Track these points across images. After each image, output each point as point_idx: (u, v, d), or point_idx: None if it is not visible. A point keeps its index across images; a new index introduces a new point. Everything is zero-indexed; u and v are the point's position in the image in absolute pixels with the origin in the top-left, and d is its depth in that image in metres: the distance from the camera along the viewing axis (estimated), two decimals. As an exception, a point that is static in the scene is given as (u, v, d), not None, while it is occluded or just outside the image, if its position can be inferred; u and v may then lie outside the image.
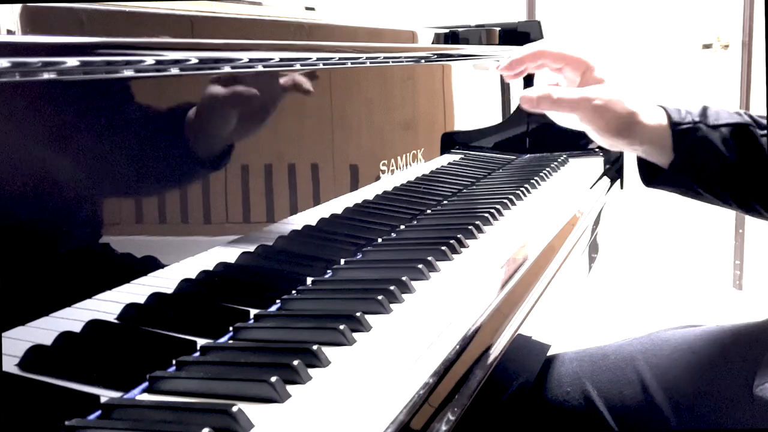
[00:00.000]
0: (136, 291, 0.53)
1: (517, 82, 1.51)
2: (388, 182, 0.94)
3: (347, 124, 0.86)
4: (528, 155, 1.49)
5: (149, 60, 0.53)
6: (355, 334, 0.58)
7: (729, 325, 0.88)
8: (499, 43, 1.45)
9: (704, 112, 0.80)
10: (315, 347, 0.53)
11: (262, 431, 0.44)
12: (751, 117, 0.80)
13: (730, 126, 0.79)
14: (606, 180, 1.29)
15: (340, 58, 0.83)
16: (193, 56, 0.58)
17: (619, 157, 1.45)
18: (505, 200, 1.02)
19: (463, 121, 1.24)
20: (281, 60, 0.70)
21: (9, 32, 0.42)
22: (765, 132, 0.78)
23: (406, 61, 1.03)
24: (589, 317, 2.36)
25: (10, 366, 0.44)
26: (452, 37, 1.22)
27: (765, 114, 0.80)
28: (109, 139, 0.51)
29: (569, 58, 0.84)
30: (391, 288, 0.65)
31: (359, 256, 0.81)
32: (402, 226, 0.92)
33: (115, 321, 0.51)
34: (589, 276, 1.20)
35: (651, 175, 0.83)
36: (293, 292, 0.69)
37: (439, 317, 0.62)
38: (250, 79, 0.67)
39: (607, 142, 0.82)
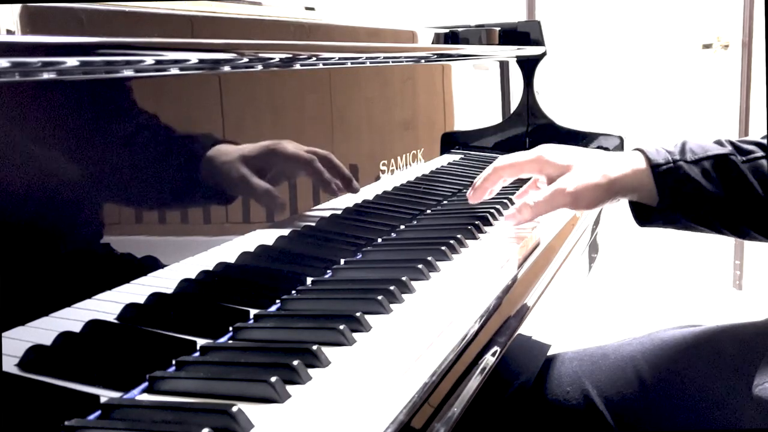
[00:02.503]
0: (136, 291, 0.53)
1: (517, 82, 1.51)
2: (388, 182, 0.94)
3: (347, 124, 0.86)
4: (528, 155, 1.49)
5: (149, 60, 0.53)
6: (355, 334, 0.58)
7: (729, 325, 0.88)
8: (499, 43, 1.45)
9: (683, 148, 0.81)
10: (315, 347, 0.53)
11: (262, 431, 0.44)
12: (732, 144, 0.80)
13: (710, 159, 0.79)
14: (606, 180, 1.29)
15: (340, 58, 0.83)
16: (193, 56, 0.58)
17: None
18: (505, 200, 1.02)
19: (463, 121, 1.24)
20: (281, 60, 0.70)
21: (9, 32, 0.42)
22: (749, 157, 0.79)
23: (406, 61, 1.03)
24: (589, 317, 2.36)
25: (10, 366, 0.44)
26: (452, 37, 1.22)
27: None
28: (109, 139, 0.51)
29: (522, 163, 0.87)
30: (391, 288, 0.65)
31: (359, 256, 0.81)
32: (402, 226, 0.92)
33: (115, 321, 0.51)
34: (589, 276, 1.20)
35: (643, 215, 0.84)
36: (293, 292, 0.69)
37: (439, 317, 0.62)
38: (250, 80, 0.67)
39: (600, 207, 0.84)
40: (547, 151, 0.85)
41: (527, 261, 0.81)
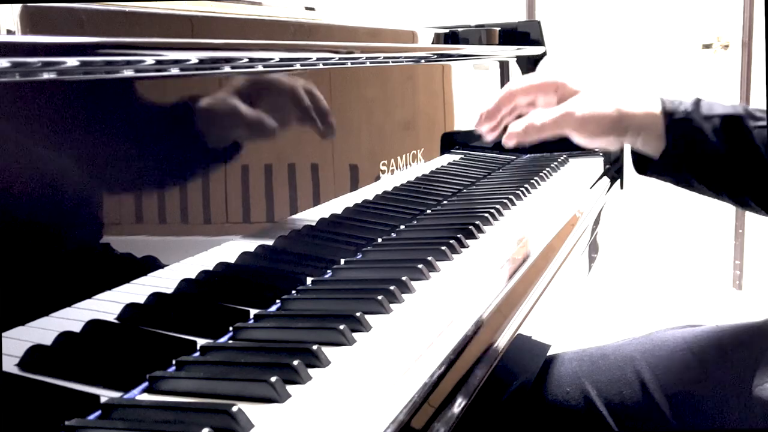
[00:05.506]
0: (136, 291, 0.53)
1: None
2: (388, 182, 0.94)
3: (347, 124, 0.86)
4: (528, 155, 1.49)
5: (149, 60, 0.53)
6: (355, 334, 0.58)
7: (729, 325, 0.88)
8: (499, 43, 1.45)
9: (697, 103, 0.81)
10: (315, 347, 0.53)
11: (262, 431, 0.44)
12: (746, 110, 0.80)
13: (722, 117, 0.79)
14: (606, 180, 1.29)
15: (340, 58, 0.83)
16: (193, 56, 0.58)
17: (619, 157, 1.45)
18: (505, 200, 1.02)
19: (463, 121, 1.24)
20: (281, 60, 0.70)
21: (9, 32, 0.42)
22: (759, 124, 0.78)
23: (406, 61, 1.03)
24: (589, 317, 2.36)
25: (10, 366, 0.44)
26: (452, 37, 1.22)
27: (765, 106, 0.81)
28: (109, 139, 0.51)
29: (537, 86, 0.86)
30: (391, 288, 0.65)
31: (359, 256, 0.81)
32: (402, 226, 0.92)
33: (115, 321, 0.51)
34: (589, 276, 1.20)
35: (645, 164, 0.84)
36: (293, 292, 0.69)
37: (439, 317, 0.62)
38: (250, 80, 0.67)
39: (604, 142, 0.83)
40: (562, 74, 0.84)
41: (527, 261, 0.81)
